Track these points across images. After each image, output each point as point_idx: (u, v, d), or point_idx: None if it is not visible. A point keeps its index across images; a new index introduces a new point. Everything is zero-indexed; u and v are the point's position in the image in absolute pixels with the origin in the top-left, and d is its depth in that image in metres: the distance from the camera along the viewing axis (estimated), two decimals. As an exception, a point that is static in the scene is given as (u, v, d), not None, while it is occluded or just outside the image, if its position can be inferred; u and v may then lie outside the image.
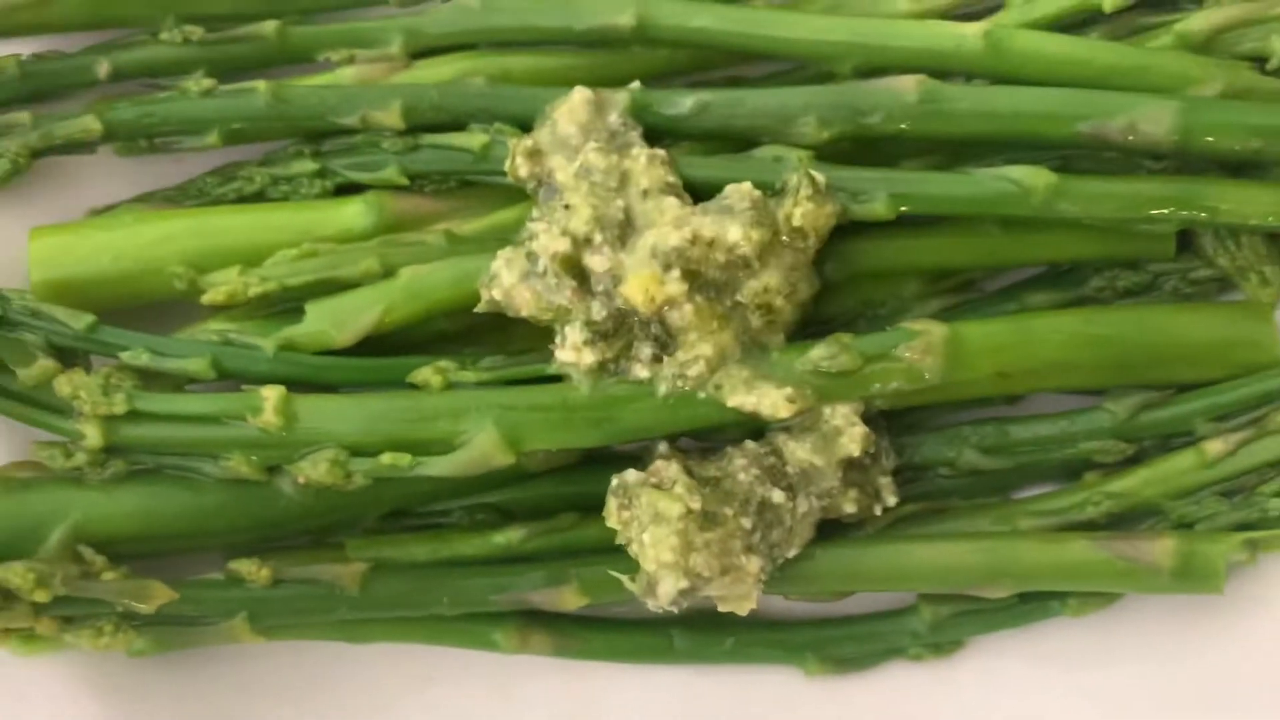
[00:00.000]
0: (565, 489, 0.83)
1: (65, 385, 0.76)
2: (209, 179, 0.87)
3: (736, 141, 0.83)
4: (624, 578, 0.78)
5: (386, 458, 0.77)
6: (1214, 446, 0.79)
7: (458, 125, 0.85)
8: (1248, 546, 0.77)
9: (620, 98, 0.83)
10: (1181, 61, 0.80)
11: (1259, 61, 0.81)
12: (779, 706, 0.84)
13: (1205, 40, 0.81)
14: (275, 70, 0.88)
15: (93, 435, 0.76)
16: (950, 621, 0.83)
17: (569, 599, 0.80)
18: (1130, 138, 0.78)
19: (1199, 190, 0.78)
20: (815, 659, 0.83)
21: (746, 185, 0.79)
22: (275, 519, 0.80)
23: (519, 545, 0.81)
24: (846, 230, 0.81)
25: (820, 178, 0.78)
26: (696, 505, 0.76)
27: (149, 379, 0.78)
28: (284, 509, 0.80)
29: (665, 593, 0.76)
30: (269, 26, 0.87)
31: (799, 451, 0.79)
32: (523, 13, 0.87)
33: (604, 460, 0.82)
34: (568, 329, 0.78)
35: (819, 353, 0.78)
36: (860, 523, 0.82)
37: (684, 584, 0.76)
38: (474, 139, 0.83)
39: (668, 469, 0.78)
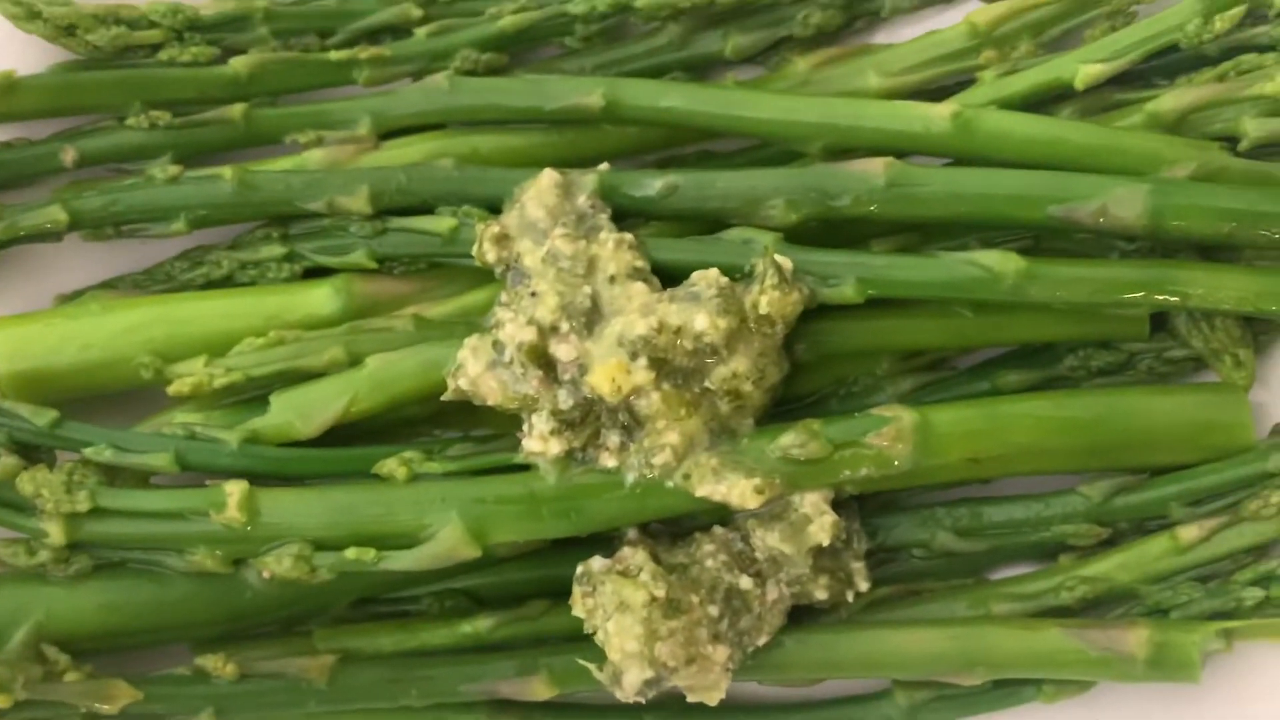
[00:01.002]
0: (535, 574, 0.83)
1: (28, 484, 0.76)
2: (176, 264, 0.87)
3: (706, 222, 0.83)
4: (591, 666, 0.78)
5: (351, 553, 0.76)
6: (1188, 532, 0.78)
7: (426, 208, 0.84)
8: (1222, 636, 0.76)
9: (589, 180, 0.82)
10: (1153, 142, 0.79)
11: (1231, 142, 0.80)
12: (754, 793, 0.83)
13: (1176, 120, 0.80)
14: (243, 153, 0.88)
15: (55, 533, 0.76)
16: (926, 707, 0.81)
17: (539, 689, 0.80)
18: (1101, 220, 0.77)
19: (1171, 275, 0.78)
20: (789, 746, 0.83)
21: (714, 272, 0.78)
22: (242, 610, 0.80)
23: (488, 634, 0.81)
24: (816, 311, 0.80)
25: (787, 264, 0.78)
26: (661, 593, 0.75)
27: (113, 473, 0.78)
28: (250, 600, 0.79)
29: (630, 683, 0.75)
30: (236, 110, 0.87)
31: (768, 539, 0.78)
32: (491, 93, 0.87)
33: (575, 544, 0.81)
34: (534, 418, 0.78)
35: (788, 440, 0.77)
36: (833, 607, 0.82)
37: (649, 674, 0.75)
38: (442, 222, 0.83)
39: (634, 556, 0.78)
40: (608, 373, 0.76)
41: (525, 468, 0.79)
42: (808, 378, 0.84)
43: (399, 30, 0.90)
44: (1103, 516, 0.81)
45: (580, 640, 0.78)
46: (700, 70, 0.91)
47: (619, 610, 0.75)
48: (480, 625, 0.81)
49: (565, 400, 0.77)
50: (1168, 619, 0.78)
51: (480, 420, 0.83)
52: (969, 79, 0.86)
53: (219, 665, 0.78)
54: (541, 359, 0.77)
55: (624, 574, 0.77)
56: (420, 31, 0.89)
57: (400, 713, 0.81)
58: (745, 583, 0.78)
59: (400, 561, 0.77)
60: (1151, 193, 0.77)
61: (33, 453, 0.78)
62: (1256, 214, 0.76)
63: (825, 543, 0.78)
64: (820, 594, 0.79)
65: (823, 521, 0.78)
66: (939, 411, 0.79)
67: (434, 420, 0.84)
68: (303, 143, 0.87)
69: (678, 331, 0.76)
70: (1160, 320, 0.83)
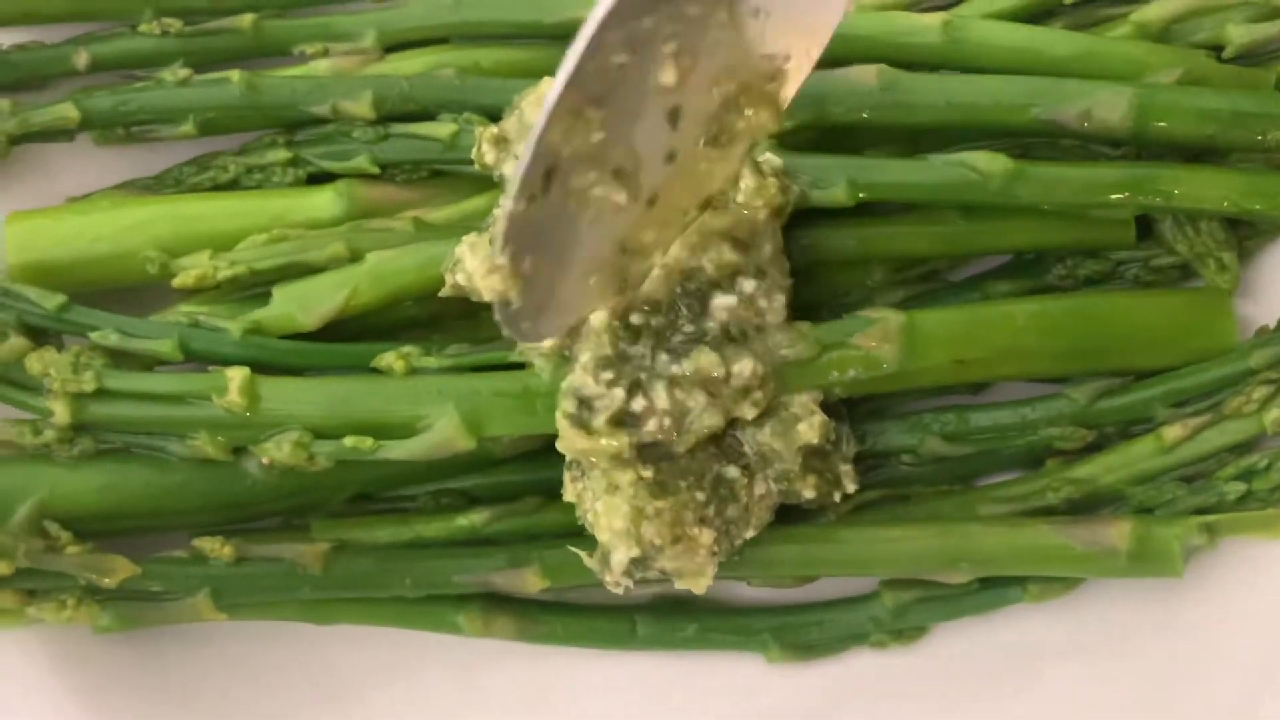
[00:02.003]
0: (530, 474, 0.84)
1: (36, 363, 0.78)
2: (185, 168, 0.89)
3: (703, 127, 0.84)
4: (581, 553, 0.79)
5: (349, 440, 0.78)
6: (1173, 432, 0.79)
7: (428, 115, 0.86)
8: (1204, 530, 0.76)
9: (587, 86, 0.84)
10: (1138, 49, 0.81)
11: (1215, 50, 0.82)
12: (741, 693, 0.84)
13: (1162, 29, 0.82)
14: (251, 62, 0.90)
15: (61, 412, 0.77)
16: (912, 608, 0.83)
17: (531, 581, 0.81)
18: (1086, 124, 0.79)
19: (1155, 175, 0.79)
20: (777, 645, 0.84)
21: None
22: (241, 499, 0.81)
23: (482, 528, 0.82)
24: (809, 218, 0.82)
25: (776, 160, 0.79)
26: (648, 474, 0.77)
27: (119, 359, 0.80)
28: (249, 489, 0.81)
29: (618, 562, 0.77)
30: (245, 20, 0.89)
31: (758, 435, 0.79)
32: (493, 7, 0.89)
33: (569, 447, 0.82)
34: (529, 313, 0.79)
35: (777, 339, 0.78)
36: (821, 509, 0.83)
37: (635, 552, 0.76)
38: (443, 128, 0.85)
39: None
40: None
41: (521, 365, 0.80)
42: (803, 288, 0.85)
43: (408, -56, 0.92)
44: (1088, 419, 0.82)
45: (572, 535, 0.80)
46: (700, -10, 0.93)
47: (607, 491, 0.77)
48: (475, 519, 0.82)
49: (560, 296, 0.78)
50: (1150, 515, 0.79)
51: (479, 325, 0.85)
52: (963, -5, 0.88)
53: (216, 547, 0.79)
54: (537, 254, 0.78)
55: None
56: (427, -54, 0.91)
57: (394, 602, 0.82)
58: (732, 472, 0.79)
59: (397, 451, 0.78)
60: (1136, 95, 0.78)
61: (40, 336, 0.80)
62: (1240, 114, 0.78)
63: (815, 441, 0.79)
64: (808, 493, 0.81)
65: (812, 421, 0.79)
66: (925, 314, 0.80)
67: (433, 324, 0.86)
68: (309, 53, 0.89)
69: None
70: (1146, 229, 0.84)
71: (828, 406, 0.81)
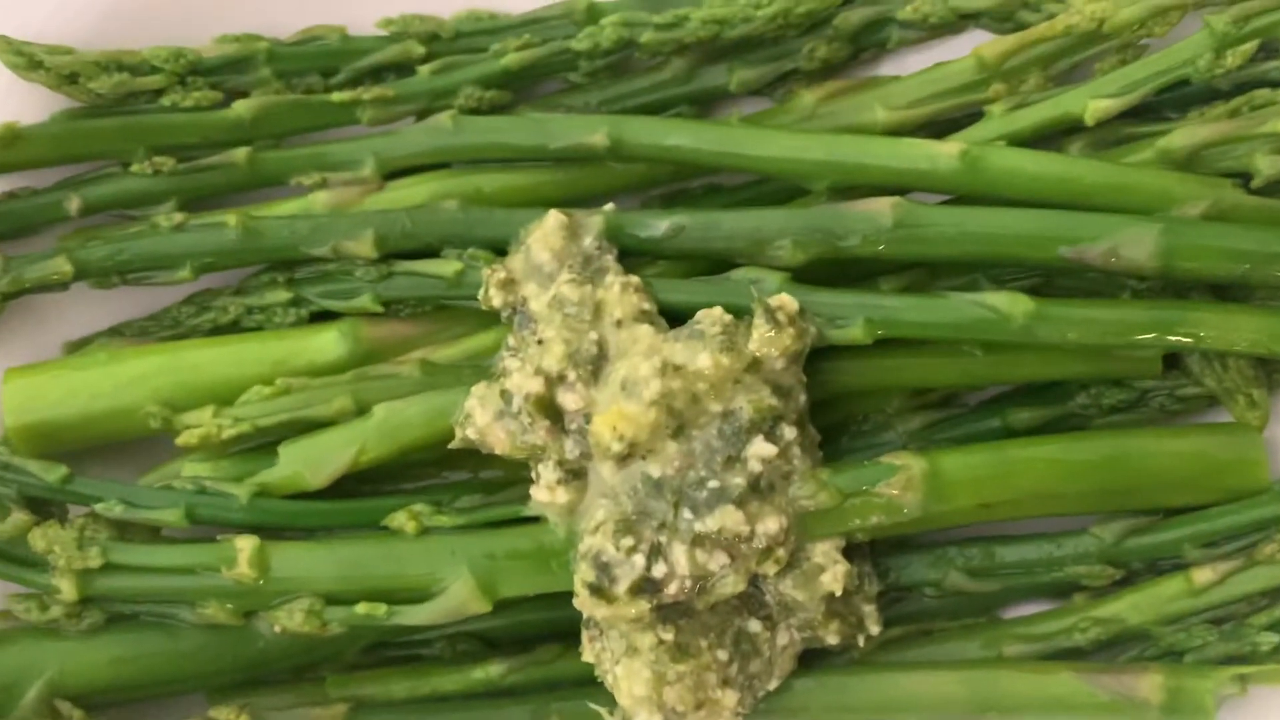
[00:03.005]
0: (547, 616, 0.82)
1: (40, 540, 0.76)
2: (183, 309, 0.87)
3: (714, 261, 0.82)
4: (603, 711, 0.78)
5: (362, 608, 0.76)
6: (1202, 575, 0.78)
7: (431, 251, 0.84)
8: (1237, 680, 0.75)
9: (594, 221, 0.82)
10: (1164, 180, 0.78)
11: (1243, 178, 0.79)
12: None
13: (1188, 156, 0.79)
14: (248, 195, 0.87)
15: (68, 589, 0.76)
16: (942, 752, 0.81)
17: (551, 734, 0.80)
18: (1112, 260, 0.77)
19: (1182, 316, 0.77)
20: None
21: (717, 310, 0.78)
22: (255, 660, 0.80)
23: (499, 680, 0.81)
24: (826, 350, 0.80)
25: (792, 304, 0.77)
26: (669, 637, 0.75)
27: (123, 526, 0.78)
28: (263, 650, 0.80)
29: None
30: (240, 154, 0.86)
31: (780, 585, 0.78)
32: (494, 132, 0.86)
33: (588, 586, 0.81)
34: (541, 467, 0.77)
35: (797, 491, 0.76)
36: (845, 648, 0.81)
37: (658, 718, 0.75)
38: (447, 266, 0.83)
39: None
40: (608, 420, 0.75)
41: (535, 519, 0.79)
42: (819, 415, 0.84)
43: (403, 68, 0.89)
44: (1116, 557, 0.80)
45: (592, 685, 0.79)
46: (706, 104, 0.90)
47: (627, 654, 0.75)
48: (492, 671, 0.81)
49: (572, 450, 0.77)
50: (1181, 663, 0.77)
51: (490, 462, 0.83)
52: (978, 112, 0.85)
53: (232, 717, 0.78)
54: (549, 409, 0.76)
55: None
56: (423, 69, 0.88)
57: (415, 762, 0.81)
58: (754, 625, 0.78)
59: (411, 617, 0.77)
60: (1163, 233, 0.76)
61: (43, 507, 0.79)
62: (1269, 254, 0.76)
63: (838, 592, 0.77)
64: (831, 638, 0.79)
65: (835, 571, 0.77)
66: (948, 458, 0.78)
67: (443, 462, 0.84)
68: (308, 184, 0.86)
69: (679, 370, 0.75)
70: (1173, 358, 0.82)
71: (849, 546, 0.79)
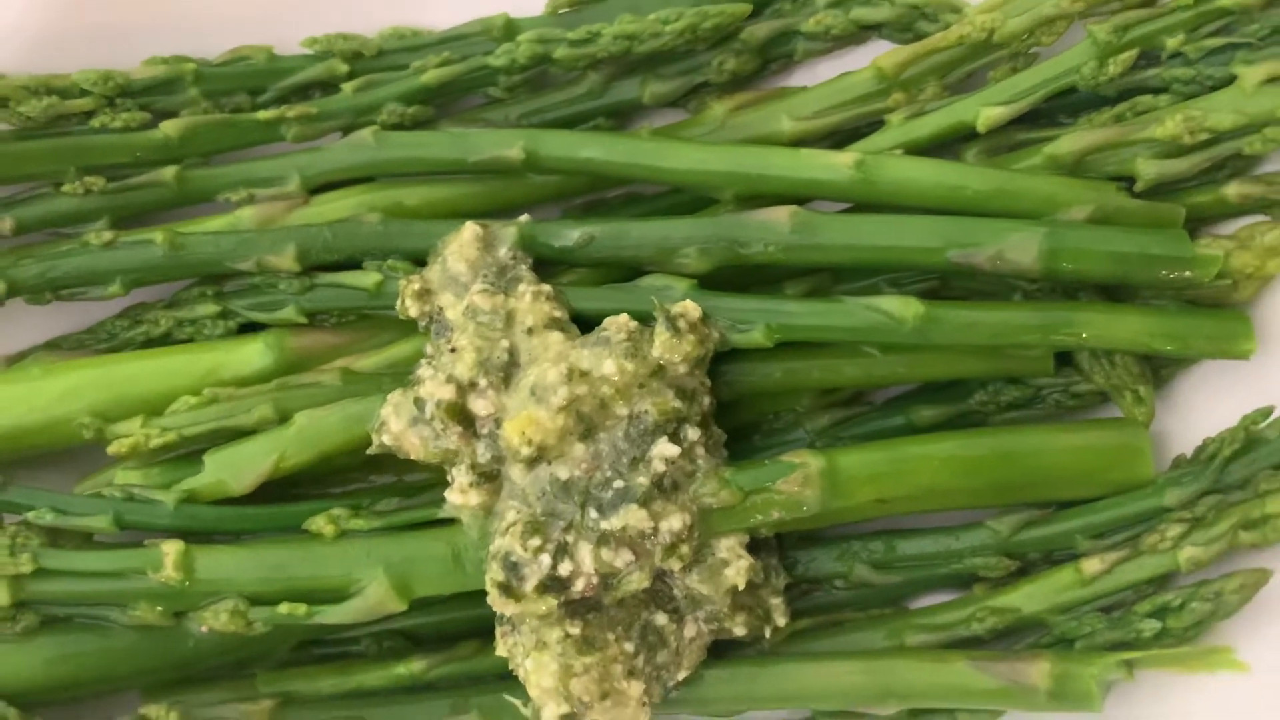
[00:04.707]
0: (468, 613, 0.85)
1: (-28, 547, 0.80)
2: (117, 322, 0.90)
3: (625, 269, 0.85)
4: (517, 702, 0.81)
5: (284, 608, 0.80)
6: (1091, 565, 0.81)
7: (353, 263, 0.87)
8: (1124, 666, 0.78)
9: (509, 232, 0.85)
10: (1050, 185, 0.81)
11: (1128, 182, 0.82)
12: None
13: (1074, 161, 0.82)
14: (177, 213, 0.90)
15: (1, 594, 0.79)
16: (845, 740, 0.85)
17: (471, 728, 0.83)
18: (999, 264, 0.79)
19: (1066, 317, 0.80)
20: (717, 777, 0.86)
21: (623, 318, 0.81)
22: (188, 658, 0.83)
23: (422, 675, 0.84)
24: (731, 353, 0.83)
25: (694, 310, 0.80)
26: (576, 631, 0.78)
27: (55, 532, 0.82)
28: (194, 649, 0.83)
29: (549, 717, 0.79)
30: (168, 173, 0.89)
31: (686, 580, 0.81)
32: (415, 147, 0.89)
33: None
34: (455, 471, 0.80)
35: (700, 489, 0.79)
36: (755, 639, 0.84)
37: (565, 709, 0.78)
38: (367, 277, 0.86)
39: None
40: (517, 426, 0.78)
41: (450, 521, 0.82)
42: (730, 415, 0.87)
43: (327, 86, 0.92)
44: (1011, 549, 0.83)
45: (509, 679, 0.82)
46: (621, 116, 0.93)
47: (536, 648, 0.79)
48: (414, 667, 0.84)
49: (484, 454, 0.80)
50: (1070, 650, 0.80)
51: (413, 466, 0.86)
52: (880, 121, 0.88)
53: (161, 715, 0.81)
54: (460, 415, 0.80)
55: None
56: (347, 87, 0.91)
57: (341, 755, 0.85)
58: (661, 619, 0.81)
59: (330, 616, 0.80)
60: (1046, 237, 0.79)
61: (-24, 517, 0.82)
62: (1148, 256, 0.78)
63: (741, 585, 0.80)
64: (739, 630, 0.82)
65: (739, 565, 0.80)
66: (846, 455, 0.81)
67: (368, 466, 0.87)
68: (235, 200, 0.89)
69: (585, 376, 0.78)
70: (1066, 355, 0.85)
71: (756, 540, 0.82)
